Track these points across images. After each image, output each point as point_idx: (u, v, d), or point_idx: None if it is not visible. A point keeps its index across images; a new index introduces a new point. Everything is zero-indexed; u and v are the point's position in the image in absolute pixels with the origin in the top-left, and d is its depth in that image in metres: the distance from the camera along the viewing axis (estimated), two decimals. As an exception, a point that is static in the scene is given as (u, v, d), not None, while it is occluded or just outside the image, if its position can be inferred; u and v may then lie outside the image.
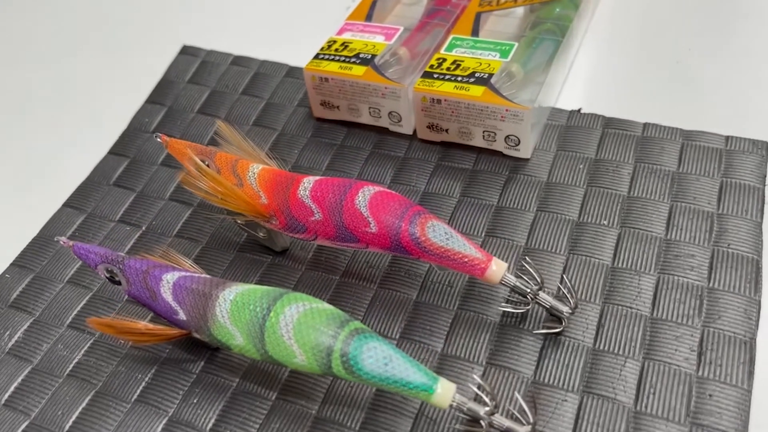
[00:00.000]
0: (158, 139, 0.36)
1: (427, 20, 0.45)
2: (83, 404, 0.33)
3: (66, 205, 0.42)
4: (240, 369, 0.33)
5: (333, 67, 0.41)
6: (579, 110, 0.42)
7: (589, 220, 0.36)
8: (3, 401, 0.33)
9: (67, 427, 0.32)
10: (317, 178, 0.34)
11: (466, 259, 0.31)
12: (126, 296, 0.33)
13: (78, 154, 0.46)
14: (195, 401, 0.32)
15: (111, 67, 0.52)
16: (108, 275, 0.32)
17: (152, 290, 0.31)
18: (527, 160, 0.39)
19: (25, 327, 0.36)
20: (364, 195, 0.32)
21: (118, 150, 0.45)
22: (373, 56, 0.41)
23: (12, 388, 0.34)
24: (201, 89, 0.48)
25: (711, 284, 0.32)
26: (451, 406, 0.27)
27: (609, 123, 0.40)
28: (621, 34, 0.46)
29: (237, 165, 0.35)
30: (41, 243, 0.40)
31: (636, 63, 0.44)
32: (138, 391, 0.33)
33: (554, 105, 0.42)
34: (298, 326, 0.28)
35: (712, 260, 0.33)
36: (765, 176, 0.36)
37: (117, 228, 0.40)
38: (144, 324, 0.31)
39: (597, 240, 0.35)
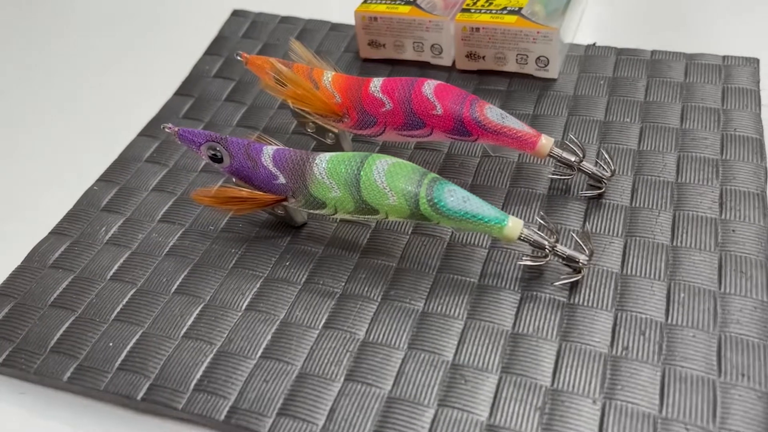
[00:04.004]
0: (238, 57, 0.42)
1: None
2: (185, 273, 0.37)
3: (141, 134, 0.47)
4: (323, 239, 0.37)
5: (381, 7, 0.47)
6: (594, 44, 0.48)
7: (614, 119, 0.42)
8: (109, 277, 0.37)
9: (173, 289, 0.36)
10: (384, 78, 0.39)
11: (519, 134, 0.37)
12: (226, 173, 0.37)
13: (149, 94, 0.51)
14: (287, 264, 0.36)
15: (166, 30, 0.57)
16: (211, 153, 0.36)
17: (254, 160, 0.35)
18: (555, 80, 0.45)
19: (119, 224, 0.40)
20: (429, 85, 0.38)
21: (183, 92, 0.50)
22: (416, -1, 0.48)
23: (116, 267, 0.38)
24: (254, 42, 0.53)
25: (723, 156, 0.38)
26: (519, 237, 0.32)
27: (621, 52, 0.47)
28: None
29: (313, 72, 0.40)
30: (123, 163, 0.45)
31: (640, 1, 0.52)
32: (234, 261, 0.37)
33: (572, 41, 0.49)
34: (389, 174, 0.33)
35: (722, 141, 0.39)
36: (759, 81, 0.43)
37: (189, 151, 0.45)
38: (246, 191, 0.36)
39: (623, 132, 0.41)
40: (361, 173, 0.33)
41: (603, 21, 0.51)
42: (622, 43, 0.48)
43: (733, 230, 0.34)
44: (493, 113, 0.37)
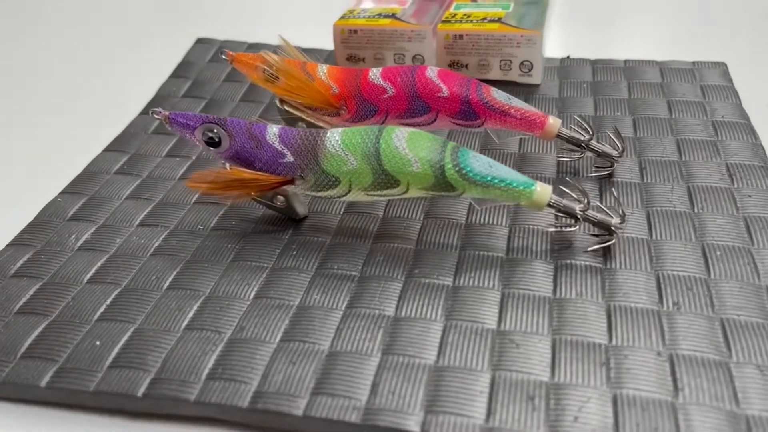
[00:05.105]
0: (223, 56, 0.40)
1: (423, 5, 0.52)
2: (177, 270, 0.33)
3: (107, 150, 0.43)
4: (329, 230, 0.35)
5: (361, 21, 0.47)
6: (568, 56, 0.49)
7: (605, 114, 0.42)
8: (86, 280, 0.33)
9: (165, 286, 0.32)
10: (382, 67, 0.38)
11: (527, 115, 0.36)
12: (223, 159, 0.34)
13: (113, 115, 0.47)
14: (294, 254, 0.33)
15: (129, 58, 0.55)
16: (207, 137, 0.33)
17: (257, 139, 0.33)
18: (538, 86, 0.46)
19: (91, 231, 0.36)
20: (432, 70, 0.37)
21: (148, 110, 0.47)
22: (394, 13, 0.48)
23: (93, 270, 0.33)
24: (223, 66, 0.51)
25: (719, 138, 0.39)
26: (549, 203, 0.31)
27: (596, 62, 0.48)
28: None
29: (306, 65, 0.39)
30: (89, 176, 0.41)
31: (606, 16, 0.54)
32: (232, 256, 0.33)
33: (546, 56, 0.50)
34: (410, 141, 0.31)
35: (714, 126, 0.40)
36: (731, 80, 0.45)
37: (164, 162, 0.42)
38: (248, 172, 0.33)
39: (617, 123, 0.41)
40: (381, 142, 0.31)
41: (569, 36, 0.53)
42: (593, 55, 0.50)
43: (749, 196, 0.34)
44: (499, 95, 0.36)
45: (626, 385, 0.25)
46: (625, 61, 0.48)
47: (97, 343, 0.29)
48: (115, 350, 0.28)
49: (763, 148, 0.38)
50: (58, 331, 0.30)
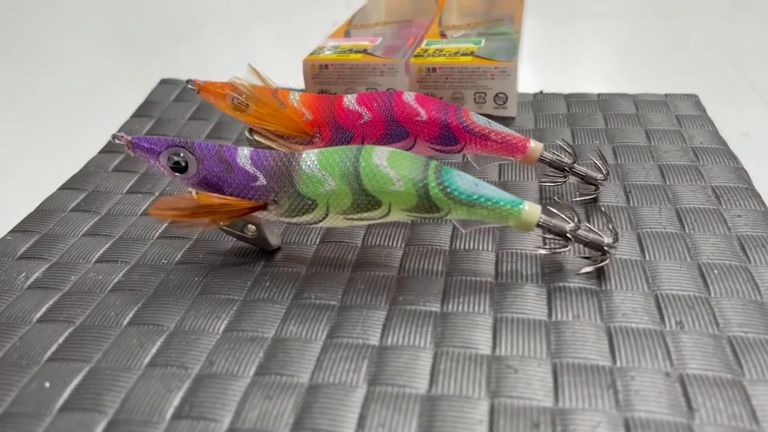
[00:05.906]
0: (190, 86, 0.38)
1: (394, 42, 0.52)
2: (138, 305, 0.30)
3: (63, 188, 0.41)
4: (304, 260, 0.32)
5: (331, 56, 0.46)
6: (541, 91, 0.49)
7: (584, 143, 0.41)
8: (35, 319, 0.30)
9: (125, 322, 0.29)
10: (357, 93, 0.37)
11: (508, 138, 0.35)
12: (189, 185, 0.32)
13: (74, 153, 0.45)
14: (267, 285, 0.31)
15: (86, 99, 0.53)
16: (173, 161, 0.31)
17: (227, 162, 0.31)
18: (513, 118, 0.45)
19: (43, 269, 0.33)
20: (409, 94, 0.36)
21: (110, 149, 0.45)
22: (365, 49, 0.47)
23: (44, 308, 0.30)
24: (188, 104, 0.50)
25: (701, 163, 0.38)
26: (538, 223, 0.29)
27: (569, 96, 0.48)
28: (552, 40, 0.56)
29: (277, 92, 0.37)
30: (42, 214, 0.38)
31: (580, 52, 0.54)
32: (199, 290, 0.31)
33: (519, 91, 0.50)
34: (391, 160, 0.29)
35: (694, 152, 0.39)
36: (705, 110, 0.45)
37: (125, 198, 0.39)
38: (217, 197, 0.30)
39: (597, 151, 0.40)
40: (360, 161, 0.29)
41: (539, 76, 0.53)
42: (566, 90, 0.49)
43: (739, 216, 0.33)
44: (478, 119, 0.35)
45: (637, 407, 0.23)
46: (599, 95, 0.48)
47: (47, 384, 0.26)
48: (67, 392, 0.25)
49: (746, 171, 0.37)
50: (2, 373, 0.27)
